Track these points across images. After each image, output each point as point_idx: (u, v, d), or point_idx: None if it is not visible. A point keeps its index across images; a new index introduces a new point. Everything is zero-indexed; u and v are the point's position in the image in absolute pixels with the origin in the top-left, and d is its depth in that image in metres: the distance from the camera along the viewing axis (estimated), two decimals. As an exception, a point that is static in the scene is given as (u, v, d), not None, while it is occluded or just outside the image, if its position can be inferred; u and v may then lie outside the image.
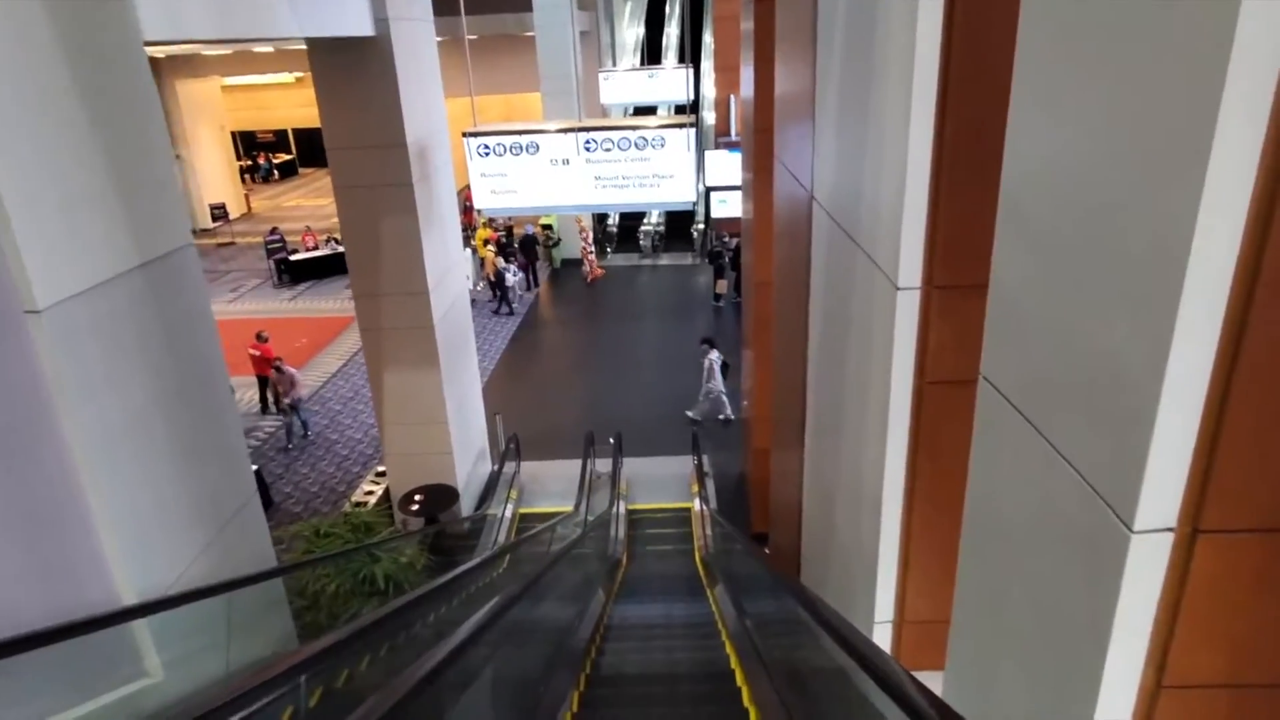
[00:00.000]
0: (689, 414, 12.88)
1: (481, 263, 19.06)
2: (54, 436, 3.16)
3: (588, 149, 7.36)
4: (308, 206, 29.51)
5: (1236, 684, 1.62)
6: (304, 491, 11.35)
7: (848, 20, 3.75)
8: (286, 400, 12.30)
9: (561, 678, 4.92)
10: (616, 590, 8.33)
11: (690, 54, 24.74)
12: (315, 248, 21.31)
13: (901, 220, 2.97)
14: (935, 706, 1.67)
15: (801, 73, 4.92)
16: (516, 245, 20.24)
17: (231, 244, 24.85)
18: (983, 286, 2.19)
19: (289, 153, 36.25)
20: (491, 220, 21.19)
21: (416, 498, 9.66)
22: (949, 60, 2.77)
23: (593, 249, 20.55)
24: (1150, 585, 1.56)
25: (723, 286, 18.11)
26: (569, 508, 9.85)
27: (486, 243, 19.44)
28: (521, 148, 7.40)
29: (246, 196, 29.58)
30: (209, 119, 27.00)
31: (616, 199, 7.58)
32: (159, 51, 20.93)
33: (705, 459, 11.28)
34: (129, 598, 3.43)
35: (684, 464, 11.47)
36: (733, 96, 19.28)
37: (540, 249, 20.80)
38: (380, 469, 11.32)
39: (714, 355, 12.51)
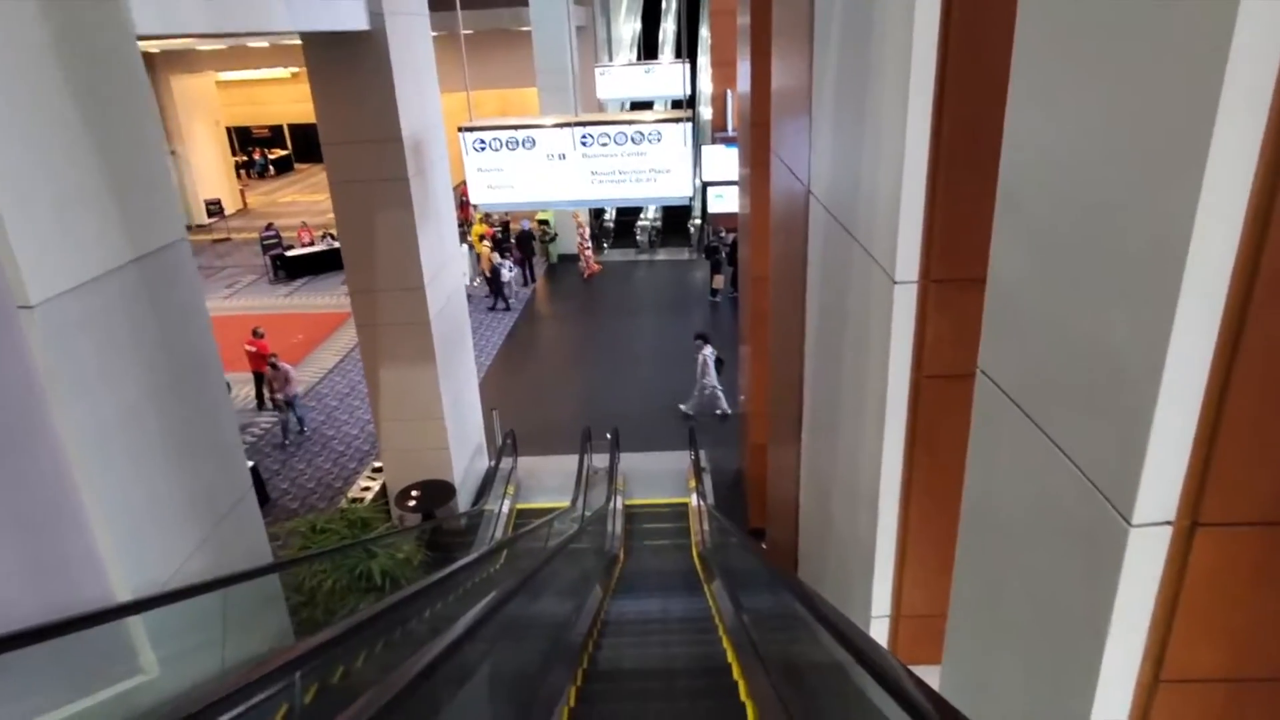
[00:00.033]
0: (682, 408, 12.89)
1: (478, 258, 19.02)
2: (47, 432, 3.15)
3: (584, 144, 7.33)
4: (303, 202, 29.43)
5: (1235, 678, 1.61)
6: (300, 488, 11.34)
7: (845, 14, 3.73)
8: (279, 396, 12.26)
9: (559, 673, 4.91)
10: (614, 586, 8.33)
11: (687, 49, 24.71)
12: (311, 243, 21.25)
13: (899, 214, 2.96)
14: (932, 701, 1.66)
15: (798, 67, 4.90)
16: (513, 241, 20.20)
17: (227, 240, 24.78)
18: (980, 280, 2.18)
19: (284, 148, 36.12)
20: (488, 216, 21.14)
21: (413, 493, 9.64)
22: (946, 54, 2.76)
23: (589, 244, 20.52)
24: (1149, 579, 1.56)
25: (719, 282, 18.10)
26: (566, 503, 9.85)
27: (482, 238, 19.40)
28: (518, 142, 7.37)
29: (242, 192, 29.49)
30: (204, 114, 26.89)
31: (613, 194, 7.55)
32: (153, 46, 20.86)
33: (702, 454, 11.28)
34: (123, 594, 3.41)
35: (681, 459, 11.48)
36: (729, 91, 19.25)
37: (537, 244, 20.76)
38: (377, 465, 11.31)
39: (708, 351, 12.51)
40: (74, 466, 3.22)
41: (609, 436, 11.23)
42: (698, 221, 22.13)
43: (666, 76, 17.36)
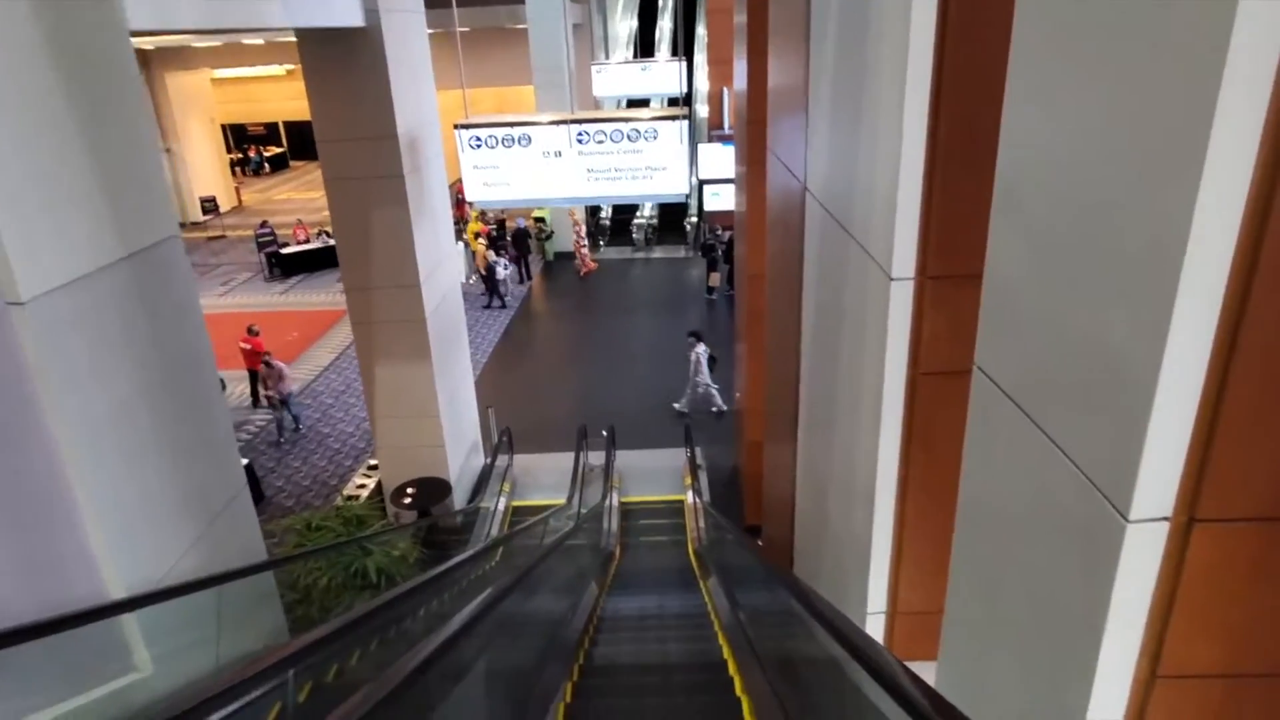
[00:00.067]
0: (676, 406, 12.91)
1: (474, 256, 18.99)
2: (40, 429, 3.13)
3: (580, 141, 7.31)
4: (299, 200, 29.35)
5: (1231, 674, 1.61)
6: (296, 485, 11.31)
7: (842, 11, 3.72)
8: (270, 393, 12.23)
9: (555, 669, 4.91)
10: (609, 583, 8.33)
11: (683, 47, 24.70)
12: (306, 241, 21.18)
13: (895, 210, 2.95)
14: (928, 697, 1.66)
15: (795, 64, 4.89)
16: (509, 238, 20.17)
17: (222, 237, 24.69)
18: (977, 277, 2.18)
19: (280, 146, 36.02)
20: (483, 213, 21.10)
21: (409, 491, 9.63)
22: (943, 51, 2.76)
23: (586, 242, 20.49)
24: (1145, 575, 1.55)
25: (716, 280, 18.10)
26: (562, 501, 9.84)
27: (477, 236, 19.36)
28: (514, 139, 7.36)
29: (237, 190, 29.39)
30: (199, 112, 26.79)
31: (609, 191, 7.53)
32: (148, 43, 20.78)
33: (698, 452, 11.28)
34: (116, 592, 3.40)
35: (677, 457, 11.48)
36: (725, 89, 19.24)
37: (533, 242, 20.72)
38: (372, 462, 11.29)
39: (700, 349, 12.53)
40: (66, 463, 3.21)
41: (605, 434, 11.22)
42: (694, 219, 22.12)
43: (663, 74, 17.34)
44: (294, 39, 8.00)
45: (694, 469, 10.77)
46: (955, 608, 2.49)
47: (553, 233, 21.32)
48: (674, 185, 7.42)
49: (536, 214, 21.25)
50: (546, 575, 5.50)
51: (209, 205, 26.28)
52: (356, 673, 3.70)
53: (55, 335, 3.17)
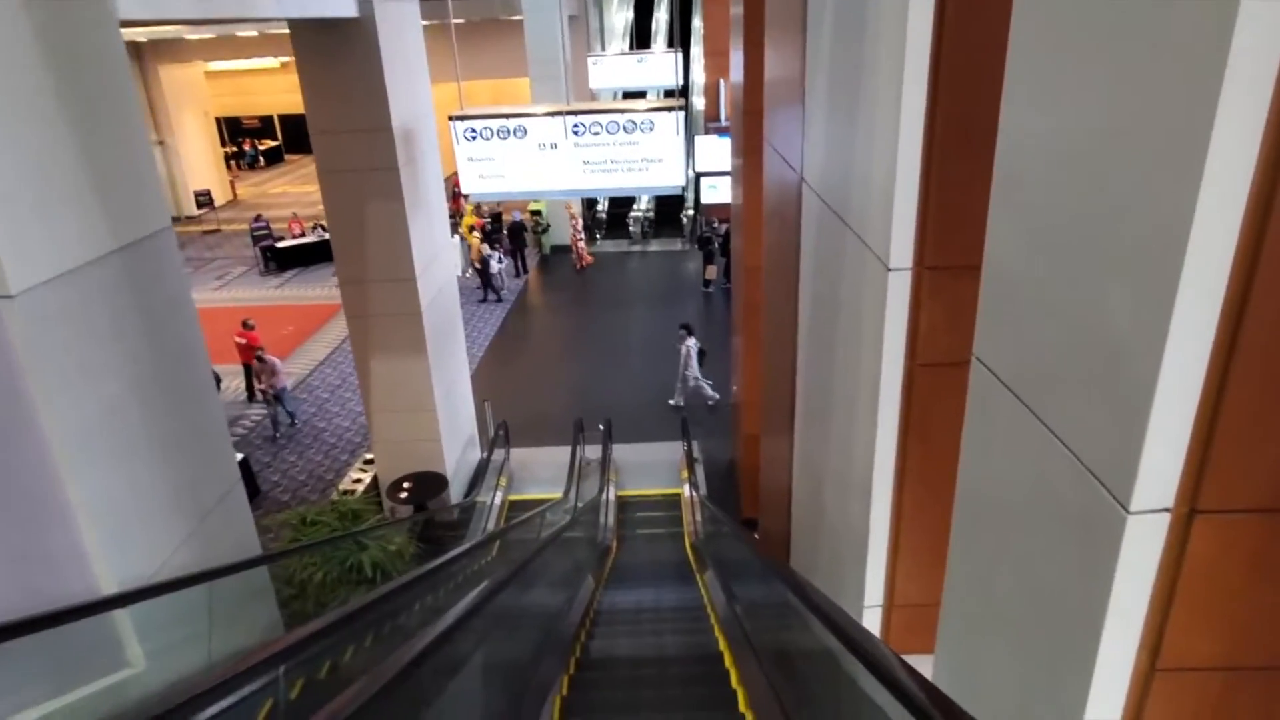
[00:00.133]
0: (671, 402, 12.91)
1: (469, 249, 18.94)
2: (30, 424, 3.10)
3: (576, 133, 7.28)
4: (294, 193, 29.23)
5: (1231, 667, 1.60)
6: (291, 480, 11.28)
7: (839, 0, 3.69)
8: (263, 388, 12.18)
9: (551, 662, 4.90)
10: (606, 576, 8.32)
11: (679, 39, 24.63)
12: (302, 234, 21.11)
13: (893, 200, 2.93)
14: (924, 689, 1.64)
15: (792, 55, 4.86)
16: (505, 231, 20.11)
17: (217, 231, 24.59)
18: (975, 267, 2.16)
19: (275, 139, 35.85)
20: (478, 207, 21.03)
21: (405, 485, 9.61)
22: (941, 39, 2.73)
23: (582, 235, 20.44)
24: (1146, 567, 1.54)
25: (712, 272, 18.08)
26: (558, 494, 9.83)
27: (472, 229, 19.30)
28: (509, 131, 7.32)
29: (232, 183, 29.24)
30: (193, 105, 26.62)
31: (605, 183, 7.51)
32: (141, 35, 20.63)
33: (695, 445, 11.28)
34: (109, 588, 3.38)
35: (674, 450, 11.47)
36: (722, 81, 19.17)
37: (529, 235, 20.67)
38: (368, 457, 11.26)
39: (691, 342, 12.53)
40: (57, 458, 3.18)
41: (601, 428, 11.21)
42: (690, 212, 22.07)
43: (659, 66, 17.31)
44: (288, 31, 7.94)
45: (691, 462, 10.77)
46: (953, 600, 2.48)
47: (549, 226, 21.27)
48: (670, 177, 7.40)
49: (533, 207, 21.20)
50: (543, 569, 5.48)
51: (203, 199, 26.16)
52: (351, 668, 3.68)
53: (45, 329, 3.14)
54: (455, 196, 20.14)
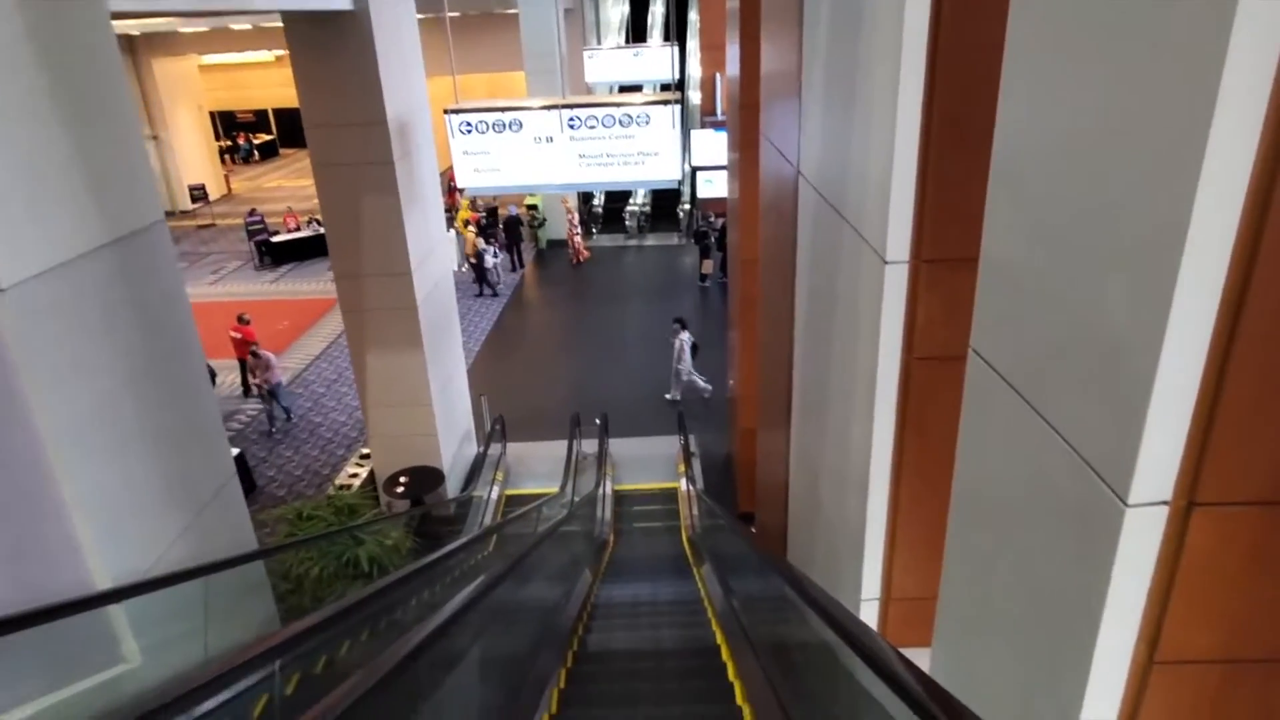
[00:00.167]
0: (668, 397, 12.91)
1: (464, 244, 18.90)
2: (23, 417, 3.08)
3: (571, 126, 7.25)
4: (289, 187, 29.13)
5: (1230, 659, 1.59)
6: (287, 475, 11.26)
7: (835, -9, 3.68)
8: (258, 382, 12.15)
9: (549, 655, 4.90)
10: (603, 570, 8.33)
11: (675, 32, 24.55)
12: (297, 229, 21.04)
13: (889, 193, 2.92)
14: (921, 682, 1.64)
15: (788, 48, 4.84)
16: (501, 226, 20.06)
17: (212, 225, 24.50)
18: (972, 260, 2.15)
19: (269, 133, 35.71)
20: (473, 201, 20.98)
21: (401, 480, 9.60)
22: (938, 32, 2.72)
23: (579, 230, 20.41)
24: (1144, 559, 1.53)
25: (709, 267, 18.07)
26: (555, 489, 9.83)
27: (467, 223, 19.25)
28: (504, 125, 7.28)
29: (226, 177, 29.15)
30: (187, 99, 26.51)
31: (601, 177, 7.48)
32: (134, 28, 20.52)
33: (692, 439, 11.28)
34: (103, 583, 3.36)
35: (670, 444, 11.47)
36: (718, 75, 19.13)
37: (525, 229, 20.62)
38: (365, 451, 11.25)
39: (684, 336, 12.53)
40: (51, 452, 3.16)
41: (598, 422, 11.20)
42: (687, 206, 22.04)
43: (655, 60, 17.21)
44: (281, 24, 7.89)
45: (687, 456, 10.77)
46: (950, 593, 2.47)
47: (545, 220, 21.22)
48: (666, 171, 7.37)
49: (529, 201, 21.14)
50: (540, 563, 5.48)
51: (198, 193, 26.09)
52: (347, 663, 3.68)
53: (37, 323, 3.11)
54: (451, 190, 20.10)
